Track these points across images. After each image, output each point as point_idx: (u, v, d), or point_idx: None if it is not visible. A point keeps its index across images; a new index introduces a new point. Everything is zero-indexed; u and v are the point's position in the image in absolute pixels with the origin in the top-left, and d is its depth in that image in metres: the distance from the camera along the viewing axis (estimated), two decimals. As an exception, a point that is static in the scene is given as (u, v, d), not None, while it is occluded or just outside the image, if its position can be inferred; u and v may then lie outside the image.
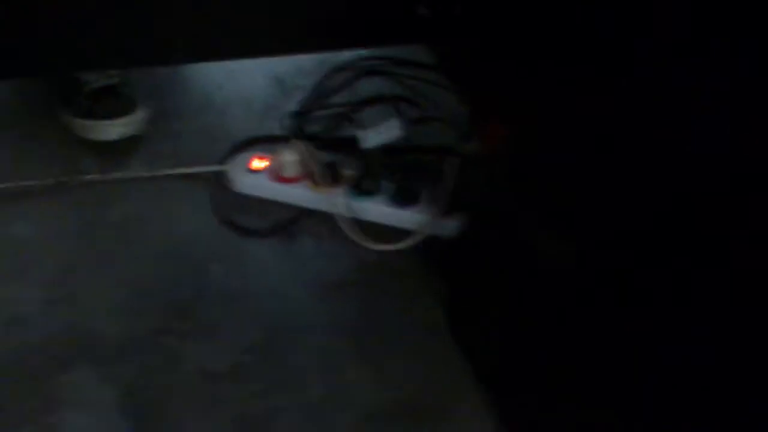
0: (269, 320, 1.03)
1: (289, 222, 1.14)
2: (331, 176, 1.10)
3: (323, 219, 1.13)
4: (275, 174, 1.14)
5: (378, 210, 1.11)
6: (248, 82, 1.37)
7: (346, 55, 1.39)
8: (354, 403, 0.96)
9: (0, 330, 0.99)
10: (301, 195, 1.13)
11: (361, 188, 1.10)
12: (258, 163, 1.15)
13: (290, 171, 1.12)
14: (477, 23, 0.89)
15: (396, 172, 1.12)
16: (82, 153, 1.22)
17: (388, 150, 1.12)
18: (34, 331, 1.00)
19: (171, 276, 1.08)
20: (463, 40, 0.93)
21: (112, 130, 1.20)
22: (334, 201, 1.10)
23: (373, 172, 1.11)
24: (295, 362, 0.99)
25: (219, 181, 1.18)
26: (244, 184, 1.15)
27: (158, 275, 1.08)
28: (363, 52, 1.40)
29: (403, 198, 1.10)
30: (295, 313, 1.04)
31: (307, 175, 1.13)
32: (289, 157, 1.12)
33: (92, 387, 0.95)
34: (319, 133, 1.23)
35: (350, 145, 1.14)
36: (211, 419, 0.93)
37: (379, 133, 1.08)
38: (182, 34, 1.00)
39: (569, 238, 0.77)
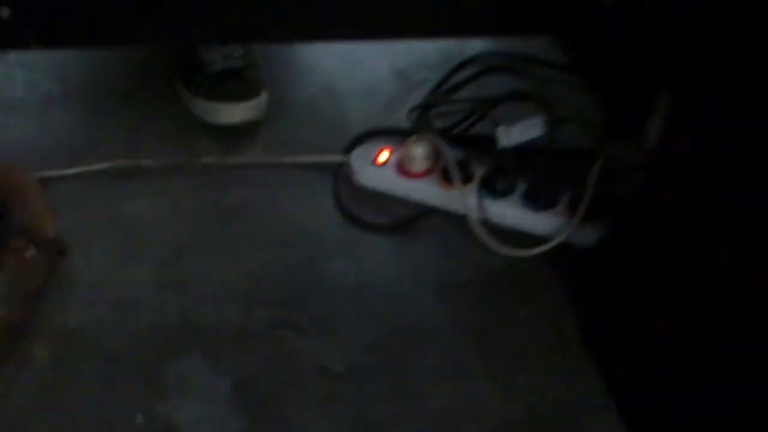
0: (389, 320, 0.98)
1: (412, 219, 1.08)
2: (462, 174, 1.03)
3: (448, 218, 1.08)
4: (401, 168, 1.08)
5: (510, 212, 1.04)
6: (370, 73, 1.33)
7: (471, 49, 1.33)
8: (479, 414, 0.90)
9: (112, 312, 0.96)
10: (427, 191, 1.07)
11: (494, 188, 1.04)
12: (384, 156, 1.09)
13: (418, 166, 1.07)
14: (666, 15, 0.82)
15: (532, 173, 1.05)
16: (200, 135, 1.18)
17: (523, 150, 1.06)
18: (146, 315, 0.96)
19: (287, 267, 1.03)
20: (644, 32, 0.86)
21: (234, 113, 1.16)
22: (464, 200, 1.03)
23: (508, 172, 1.04)
24: (417, 367, 0.94)
25: (340, 172, 1.13)
26: (367, 177, 1.10)
27: (274, 265, 1.03)
28: (489, 47, 1.33)
29: (538, 201, 1.03)
30: (416, 314, 0.99)
31: (435, 171, 1.07)
32: (418, 151, 1.06)
33: (204, 377, 0.91)
34: (448, 127, 1.16)
35: (482, 142, 1.09)
36: (328, 420, 0.88)
37: (521, 131, 1.02)
38: (301, 11, 0.95)
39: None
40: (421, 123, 1.17)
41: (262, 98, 1.17)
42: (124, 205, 1.08)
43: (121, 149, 1.14)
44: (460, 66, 1.29)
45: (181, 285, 0.99)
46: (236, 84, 1.16)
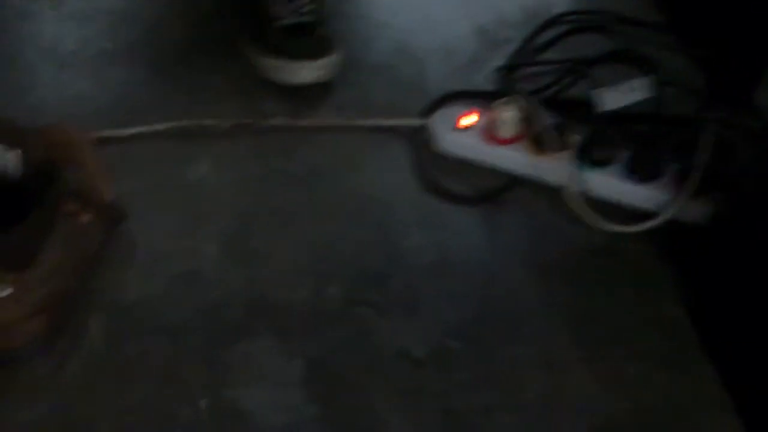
0: (475, 301, 0.90)
1: (500, 189, 0.99)
2: (557, 140, 0.93)
3: (539, 189, 0.98)
4: (487, 133, 0.99)
5: (610, 184, 0.95)
6: (448, 31, 1.23)
7: (555, 7, 1.23)
8: (578, 409, 0.81)
9: (173, 286, 0.88)
10: (517, 160, 0.98)
11: (592, 157, 0.94)
12: (468, 120, 0.99)
13: (507, 131, 0.97)
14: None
15: (634, 141, 0.95)
16: (266, 95, 1.10)
17: (623, 115, 0.96)
18: (210, 290, 0.88)
19: (362, 239, 0.95)
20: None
21: (304, 72, 1.06)
22: (558, 170, 0.94)
23: (608, 140, 0.94)
24: (508, 354, 0.85)
25: (418, 136, 1.03)
26: (449, 143, 1.01)
27: (347, 237, 0.95)
28: (575, 5, 1.23)
29: (642, 172, 0.94)
30: (505, 295, 0.90)
31: (525, 138, 0.97)
32: (508, 115, 0.96)
33: (274, 359, 0.84)
34: (538, 90, 1.06)
35: (577, 106, 0.98)
36: (412, 410, 0.80)
37: (623, 95, 0.93)
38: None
39: None
40: (509, 85, 1.07)
41: (335, 57, 1.08)
42: (186, 169, 1.00)
43: (182, 109, 1.05)
44: (547, 24, 1.19)
45: (248, 257, 0.91)
46: (307, 41, 1.07)
